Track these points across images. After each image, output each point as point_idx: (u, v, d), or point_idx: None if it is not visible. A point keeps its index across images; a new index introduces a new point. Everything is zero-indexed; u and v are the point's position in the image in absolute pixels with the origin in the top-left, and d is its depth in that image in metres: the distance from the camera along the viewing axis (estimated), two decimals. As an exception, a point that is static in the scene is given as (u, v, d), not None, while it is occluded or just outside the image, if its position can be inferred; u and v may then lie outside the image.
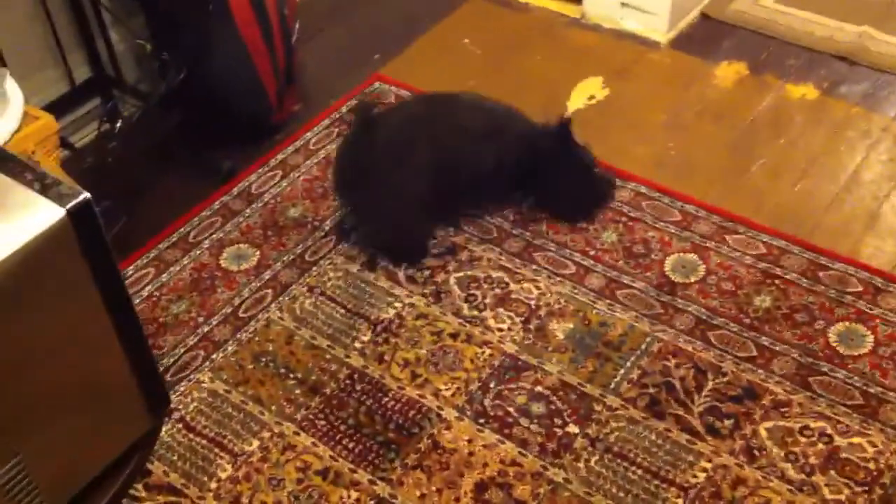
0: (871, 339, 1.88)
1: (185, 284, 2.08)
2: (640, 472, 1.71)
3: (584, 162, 2.14)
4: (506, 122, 2.14)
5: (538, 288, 2.03)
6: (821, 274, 2.01)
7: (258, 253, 2.15)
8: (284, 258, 2.14)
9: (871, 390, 1.80)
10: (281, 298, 2.05)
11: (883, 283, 1.98)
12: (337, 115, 2.48)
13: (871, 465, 1.68)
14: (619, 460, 1.73)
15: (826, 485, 1.66)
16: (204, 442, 1.80)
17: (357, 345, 1.95)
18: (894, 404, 1.77)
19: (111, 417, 1.54)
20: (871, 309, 1.93)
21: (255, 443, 1.80)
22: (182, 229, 2.21)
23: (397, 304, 2.02)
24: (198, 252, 2.15)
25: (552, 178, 2.14)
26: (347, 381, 1.89)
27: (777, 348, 1.88)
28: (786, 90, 2.48)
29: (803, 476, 1.68)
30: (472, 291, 2.03)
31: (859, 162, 2.28)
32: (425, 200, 2.03)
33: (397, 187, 2.01)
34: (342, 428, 1.82)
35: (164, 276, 2.11)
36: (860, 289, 1.97)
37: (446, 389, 1.86)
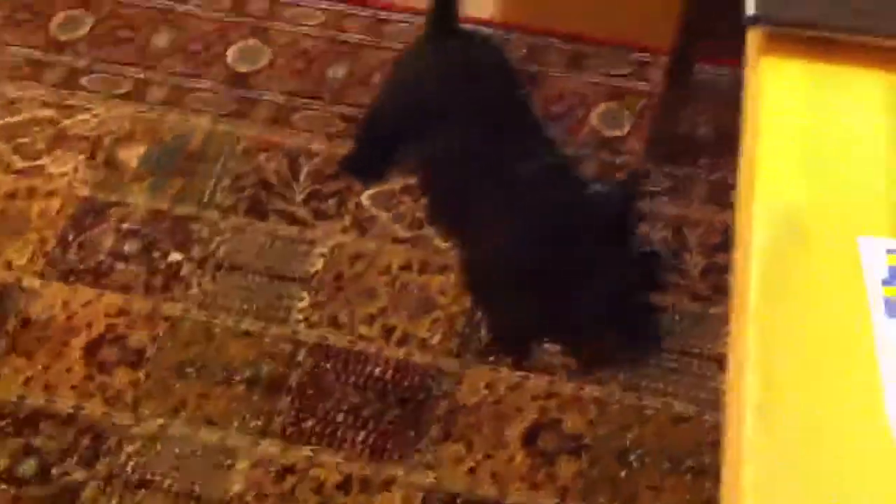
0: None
1: None
2: (258, 278, 1.62)
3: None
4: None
5: (96, 116, 1.79)
6: (385, 29, 1.96)
7: None
8: None
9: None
10: None
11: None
12: None
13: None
14: (233, 273, 1.62)
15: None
16: None
17: None
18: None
19: None
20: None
21: None
22: None
23: (-68, 178, 1.70)
24: None
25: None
26: None
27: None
28: None
29: (412, 233, 1.68)
30: (20, 140, 1.75)
31: None
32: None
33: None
34: None
35: None
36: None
37: (19, 258, 1.62)
